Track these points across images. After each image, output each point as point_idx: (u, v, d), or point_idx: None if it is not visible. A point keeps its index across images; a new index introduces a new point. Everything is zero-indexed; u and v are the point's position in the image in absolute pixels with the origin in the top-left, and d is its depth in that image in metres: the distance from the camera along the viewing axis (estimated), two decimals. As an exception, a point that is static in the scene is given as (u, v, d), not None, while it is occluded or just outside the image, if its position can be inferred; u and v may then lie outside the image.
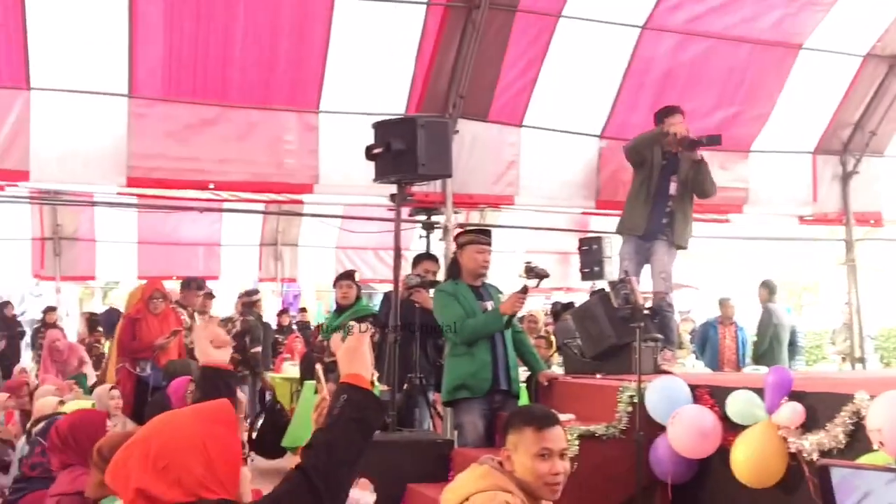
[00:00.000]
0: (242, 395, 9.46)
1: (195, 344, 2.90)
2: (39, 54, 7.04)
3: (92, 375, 10.66)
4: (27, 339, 14.11)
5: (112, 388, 7.04)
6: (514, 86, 8.03)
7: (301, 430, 8.50)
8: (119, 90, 7.32)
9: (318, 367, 3.03)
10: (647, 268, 7.11)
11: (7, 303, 14.00)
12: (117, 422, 4.40)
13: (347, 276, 8.03)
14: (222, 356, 2.83)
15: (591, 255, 7.28)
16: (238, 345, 9.65)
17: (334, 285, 7.98)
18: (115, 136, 7.37)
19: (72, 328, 14.42)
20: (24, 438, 6.24)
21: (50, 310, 13.41)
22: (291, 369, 11.43)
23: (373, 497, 3.42)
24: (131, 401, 7.42)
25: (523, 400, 6.09)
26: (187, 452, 2.06)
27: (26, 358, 13.41)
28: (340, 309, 7.88)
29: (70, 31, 7.09)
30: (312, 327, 14.00)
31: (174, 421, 2.18)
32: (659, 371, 5.95)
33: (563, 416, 4.57)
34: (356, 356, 2.25)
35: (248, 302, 9.93)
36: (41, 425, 5.52)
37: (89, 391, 7.87)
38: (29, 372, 10.08)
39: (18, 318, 14.20)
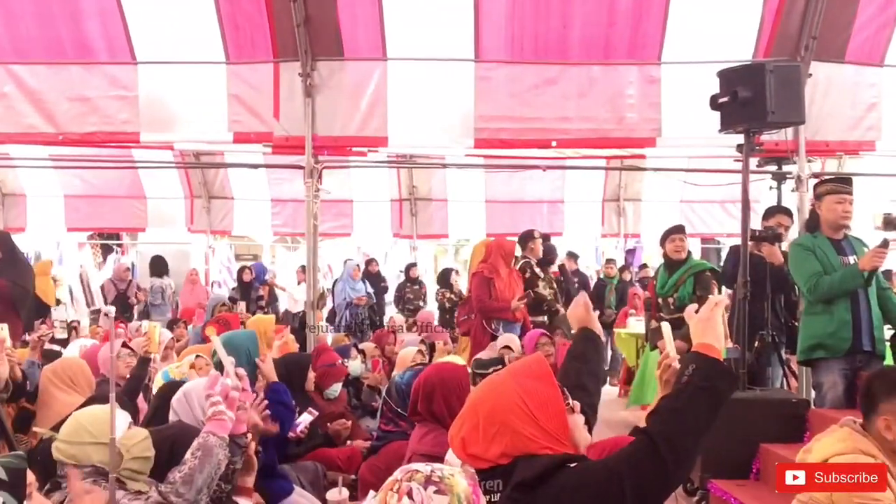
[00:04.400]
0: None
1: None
2: (394, 26, 7.53)
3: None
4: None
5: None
6: (873, 22, 7.45)
7: (644, 388, 8.50)
8: (466, 55, 7.65)
9: (664, 325, 2.96)
10: None
11: (372, 259, 15.22)
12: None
13: (678, 229, 7.81)
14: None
15: (968, 204, 6.56)
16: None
17: (663, 241, 7.81)
18: (463, 100, 7.73)
19: (429, 283, 15.38)
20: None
21: (412, 266, 14.38)
22: (636, 324, 11.42)
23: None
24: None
25: (889, 361, 5.66)
26: (511, 414, 2.15)
27: (390, 311, 14.50)
28: (672, 265, 7.73)
29: (421, 1, 7.51)
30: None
31: (494, 386, 2.26)
32: None
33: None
34: (708, 326, 2.23)
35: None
36: (387, 385, 5.98)
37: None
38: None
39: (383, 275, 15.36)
